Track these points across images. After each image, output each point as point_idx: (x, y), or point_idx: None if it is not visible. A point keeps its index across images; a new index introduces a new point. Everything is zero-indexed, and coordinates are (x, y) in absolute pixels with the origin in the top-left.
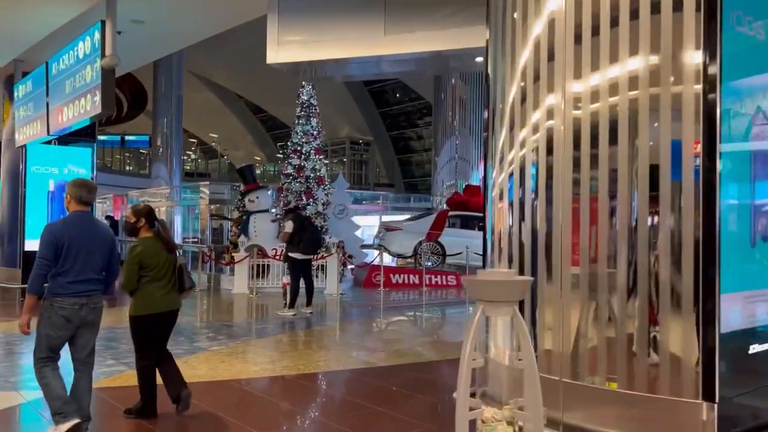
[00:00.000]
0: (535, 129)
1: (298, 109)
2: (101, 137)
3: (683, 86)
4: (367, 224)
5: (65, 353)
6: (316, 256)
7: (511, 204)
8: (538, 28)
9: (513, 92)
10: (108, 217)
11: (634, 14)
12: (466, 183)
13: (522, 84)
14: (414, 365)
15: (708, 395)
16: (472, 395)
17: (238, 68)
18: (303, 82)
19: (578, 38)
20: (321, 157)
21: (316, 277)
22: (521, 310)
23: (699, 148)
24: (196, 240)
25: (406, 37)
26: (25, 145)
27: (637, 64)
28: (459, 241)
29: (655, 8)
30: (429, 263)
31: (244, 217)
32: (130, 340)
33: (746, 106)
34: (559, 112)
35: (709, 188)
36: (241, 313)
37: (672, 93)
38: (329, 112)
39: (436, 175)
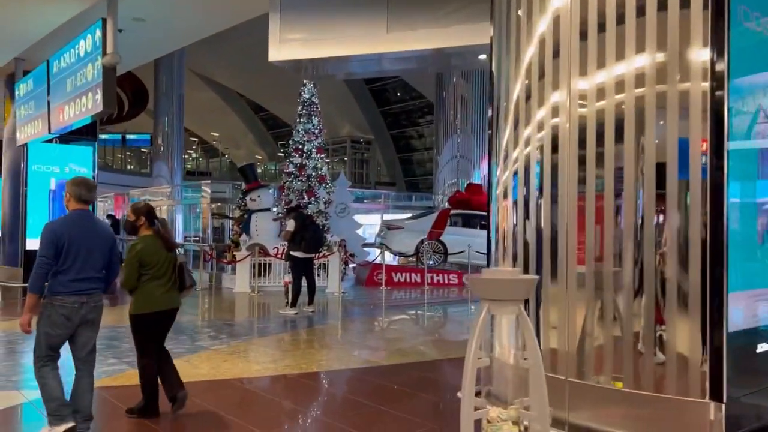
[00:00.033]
0: (540, 127)
1: (300, 108)
2: (102, 136)
3: (690, 83)
4: (369, 223)
5: (66, 352)
6: (317, 254)
7: (515, 202)
8: (543, 25)
9: (517, 89)
10: (109, 216)
11: (641, 11)
12: (468, 181)
13: (527, 81)
14: (416, 364)
15: (716, 395)
16: (477, 394)
17: (239, 67)
18: (305, 81)
19: (584, 35)
20: (322, 155)
21: (318, 275)
22: (525, 309)
23: (706, 146)
24: (197, 239)
25: (409, 34)
26: (26, 144)
27: (643, 61)
28: (461, 240)
29: (662, 5)
30: (431, 262)
31: (246, 216)
32: (131, 339)
33: (752, 103)
34: (564, 109)
35: (717, 186)
36: (242, 311)
37: (679, 90)
38: (330, 111)
39: (437, 173)
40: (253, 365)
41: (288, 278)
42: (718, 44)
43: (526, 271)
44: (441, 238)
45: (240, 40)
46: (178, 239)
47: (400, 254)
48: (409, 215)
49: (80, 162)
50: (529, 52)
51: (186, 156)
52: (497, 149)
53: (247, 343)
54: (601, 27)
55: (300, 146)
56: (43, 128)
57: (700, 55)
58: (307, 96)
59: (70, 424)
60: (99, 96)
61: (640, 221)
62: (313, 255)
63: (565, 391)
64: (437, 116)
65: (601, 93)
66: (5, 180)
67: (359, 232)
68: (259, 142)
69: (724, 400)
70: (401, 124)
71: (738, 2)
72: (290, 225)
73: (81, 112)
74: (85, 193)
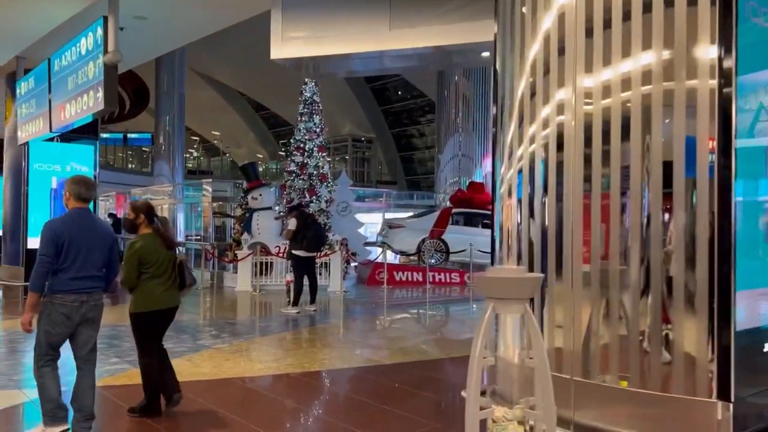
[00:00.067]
0: (545, 124)
1: (301, 107)
2: (104, 135)
3: (698, 81)
4: (371, 222)
5: (67, 351)
6: (319, 253)
7: (519, 200)
8: (547, 22)
9: (522, 87)
10: (111, 215)
11: (647, 7)
12: (470, 180)
13: (531, 79)
14: (419, 363)
15: (723, 394)
16: (482, 394)
17: (240, 66)
18: (306, 79)
19: (589, 32)
20: (324, 154)
21: (320, 274)
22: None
23: (713, 144)
24: (198, 238)
25: (412, 31)
26: (27, 143)
27: (650, 58)
28: (462, 239)
29: (669, 1)
30: (432, 261)
31: (247, 215)
32: (132, 337)
33: (755, 101)
34: (569, 107)
35: (725, 185)
36: (244, 310)
37: (686, 88)
38: (331, 110)
39: (439, 172)
40: (255, 364)
41: (290, 277)
42: (726, 41)
43: (530, 269)
44: (443, 237)
45: (241, 38)
46: (180, 238)
47: (402, 253)
48: (411, 214)
49: (81, 161)
50: (534, 49)
51: (187, 155)
52: (501, 147)
53: (249, 341)
54: (607, 23)
55: (301, 145)
56: (45, 127)
57: (708, 52)
58: (308, 94)
59: (64, 427)
60: (100, 94)
61: (646, 220)
62: (315, 254)
63: (571, 391)
64: (439, 115)
65: (607, 90)
66: (6, 179)
67: (361, 230)
68: (260, 140)
69: (732, 399)
70: (402, 122)
71: None
72: (292, 224)
73: (82, 111)
74: (84, 192)
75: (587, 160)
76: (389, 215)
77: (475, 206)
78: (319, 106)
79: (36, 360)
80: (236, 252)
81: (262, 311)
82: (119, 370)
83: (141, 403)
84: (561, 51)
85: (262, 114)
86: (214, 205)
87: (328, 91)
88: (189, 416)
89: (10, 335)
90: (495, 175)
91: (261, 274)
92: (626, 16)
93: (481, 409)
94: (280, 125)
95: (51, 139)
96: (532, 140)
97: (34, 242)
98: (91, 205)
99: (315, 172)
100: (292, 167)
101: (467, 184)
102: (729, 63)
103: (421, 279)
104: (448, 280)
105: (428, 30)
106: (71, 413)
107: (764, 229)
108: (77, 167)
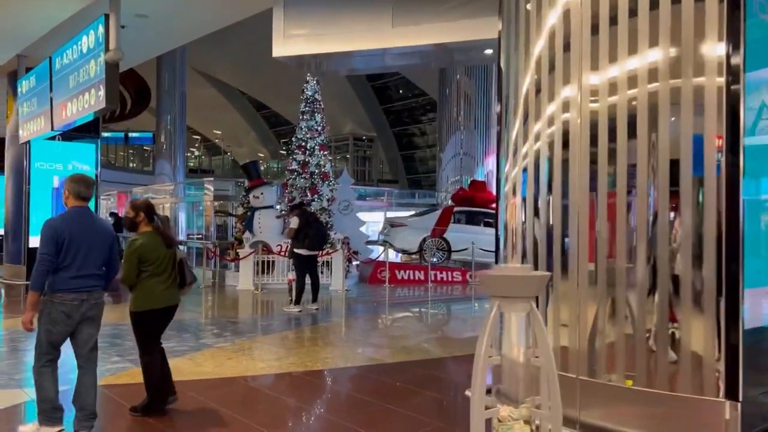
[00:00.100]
0: (551, 122)
1: (303, 105)
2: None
3: (705, 78)
4: (372, 220)
5: (69, 350)
6: (321, 252)
7: (524, 199)
8: (552, 18)
9: (527, 84)
10: (112, 214)
11: (654, 4)
12: (472, 179)
13: (536, 76)
14: (421, 362)
15: (731, 394)
16: (487, 393)
17: (242, 64)
18: (307, 78)
19: (595, 28)
20: (325, 152)
21: (322, 273)
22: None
23: (721, 142)
24: (200, 236)
25: (415, 29)
26: (28, 142)
27: (656, 55)
28: (464, 237)
29: None
30: (434, 259)
31: (249, 214)
32: (134, 336)
33: (757, 99)
34: (575, 104)
35: (733, 183)
36: (246, 309)
37: (693, 85)
38: (332, 109)
39: (440, 170)
40: (257, 363)
41: (292, 276)
42: (733, 37)
43: (535, 268)
44: (444, 236)
45: (242, 37)
46: (181, 237)
47: (404, 252)
48: (413, 212)
49: (83, 159)
50: (539, 46)
51: (188, 154)
52: (506, 145)
53: (251, 340)
54: (613, 20)
55: (303, 143)
56: (46, 125)
57: (716, 48)
58: (310, 93)
59: (59, 428)
60: (102, 92)
61: (652, 218)
62: (317, 252)
63: (576, 390)
64: (440, 113)
65: (613, 88)
66: (8, 178)
67: (363, 229)
68: (262, 139)
69: (740, 399)
70: (403, 121)
71: None
72: (294, 222)
73: (84, 109)
74: (83, 190)
75: (593, 158)
76: (391, 214)
77: (476, 205)
78: (320, 105)
79: (36, 359)
80: (238, 251)
81: (264, 310)
82: (121, 369)
83: (143, 402)
84: (566, 48)
85: (263, 113)
86: (216, 204)
87: (329, 90)
88: (191, 415)
89: (12, 334)
90: (499, 173)
91: (263, 272)
92: (632, 13)
93: (486, 408)
94: (281, 124)
95: (52, 138)
96: (537, 138)
97: (35, 241)
98: (92, 204)
99: (317, 171)
100: (294, 166)
101: (469, 182)
102: (737, 60)
103: (422, 278)
104: (449, 279)
105: (431, 27)
106: (72, 414)
107: None
108: (79, 166)
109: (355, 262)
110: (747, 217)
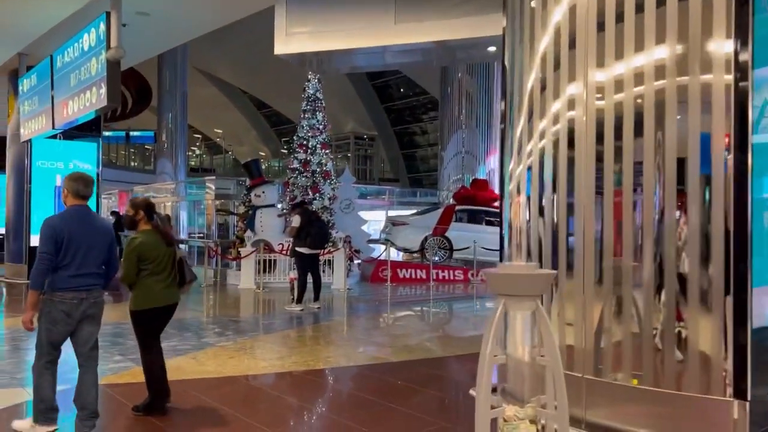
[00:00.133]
0: (556, 119)
1: (304, 103)
2: (106, 133)
3: (713, 75)
4: (374, 219)
5: (69, 349)
6: (323, 250)
7: (529, 197)
8: (558, 15)
9: (532, 81)
10: (114, 213)
11: (661, 0)
12: (473, 177)
13: (541, 73)
14: (424, 361)
15: (739, 393)
16: (492, 392)
17: (242, 63)
18: (309, 76)
19: (601, 25)
20: (327, 151)
21: (323, 271)
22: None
23: (729, 140)
24: (201, 235)
25: (417, 26)
26: (30, 140)
27: (663, 52)
28: (466, 236)
29: None
30: (436, 258)
31: (250, 212)
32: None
33: (759, 97)
34: (581, 102)
35: (741, 181)
36: (248, 308)
37: (701, 82)
38: (333, 108)
39: (442, 169)
40: (259, 362)
41: (293, 274)
42: (742, 34)
43: (540, 266)
44: (446, 234)
45: (243, 36)
46: (183, 236)
47: (405, 250)
48: (414, 211)
49: (84, 158)
50: (544, 43)
51: (189, 153)
52: (510, 143)
53: (253, 339)
54: (619, 17)
55: (304, 142)
56: (47, 124)
57: (723, 45)
58: (311, 91)
59: (53, 428)
60: (103, 90)
61: (659, 216)
62: (319, 251)
63: (582, 389)
64: (442, 112)
65: (619, 85)
66: (9, 176)
67: (364, 228)
68: (263, 138)
69: (749, 398)
70: (405, 120)
71: None
72: (296, 221)
73: (85, 107)
74: (82, 189)
75: (599, 156)
76: (392, 213)
77: (478, 203)
78: (322, 103)
79: (37, 359)
80: (239, 249)
81: (266, 309)
82: (123, 368)
83: (145, 401)
84: (572, 45)
85: (264, 112)
86: (217, 202)
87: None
88: (193, 414)
89: (13, 333)
90: (503, 171)
91: (264, 271)
92: (639, 9)
93: (492, 408)
94: (282, 123)
95: (54, 137)
96: (542, 136)
97: (36, 240)
98: (93, 203)
99: (318, 170)
100: (295, 164)
101: (471, 181)
102: (745, 56)
103: (424, 276)
104: (451, 278)
105: (434, 24)
106: (73, 413)
107: None
108: (80, 165)
109: (356, 261)
110: (759, 216)
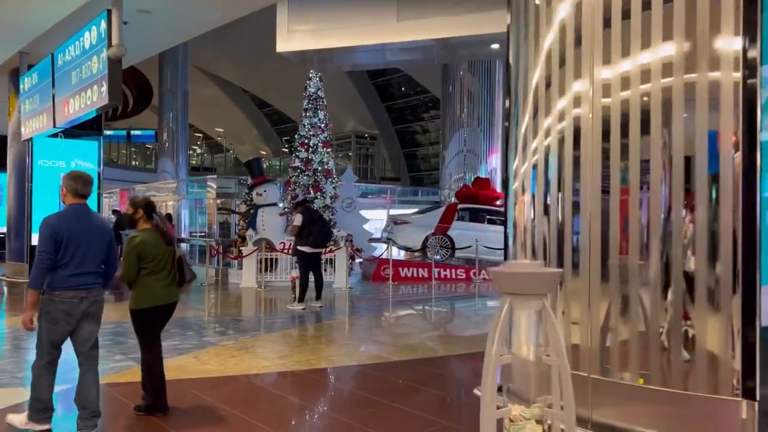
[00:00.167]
0: (561, 117)
1: (305, 102)
2: (107, 132)
3: (721, 72)
4: (376, 218)
5: (69, 348)
6: (324, 249)
7: (534, 195)
8: (563, 12)
9: (537, 78)
10: (115, 212)
11: None
12: (475, 176)
13: (546, 70)
14: (426, 360)
15: (748, 393)
16: (498, 392)
17: (244, 63)
18: (310, 75)
19: (607, 22)
20: (329, 150)
21: (325, 270)
22: None
23: (738, 138)
24: (203, 234)
25: (420, 23)
26: (31, 139)
27: (670, 49)
28: (468, 235)
29: None
30: (437, 257)
31: (252, 211)
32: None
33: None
34: (587, 99)
35: (750, 179)
36: (249, 307)
37: (708, 80)
38: (334, 106)
39: (444, 168)
40: (261, 361)
41: (295, 273)
42: (750, 30)
43: (545, 265)
44: (448, 233)
45: (244, 35)
46: (184, 234)
47: (407, 249)
48: (416, 210)
49: (85, 157)
50: (549, 39)
51: (191, 152)
52: (515, 141)
53: (255, 338)
54: (626, 14)
55: (306, 141)
56: (48, 122)
57: (732, 42)
58: (312, 90)
59: (47, 427)
60: (104, 88)
61: (665, 215)
62: (321, 250)
63: (588, 389)
64: (443, 111)
65: (625, 82)
66: (10, 175)
67: (366, 226)
68: (264, 137)
69: (757, 398)
70: (406, 119)
71: None
72: (297, 219)
73: (86, 105)
74: (81, 188)
75: (605, 154)
76: (394, 211)
77: (480, 202)
78: (323, 102)
79: (37, 358)
80: (241, 248)
81: (268, 308)
82: (124, 367)
83: (147, 401)
84: (578, 42)
85: (265, 111)
86: (218, 201)
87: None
88: (195, 413)
89: (14, 332)
90: (507, 169)
91: (266, 270)
92: (646, 6)
93: (498, 407)
94: (284, 122)
95: (55, 135)
96: (547, 133)
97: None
98: (94, 202)
99: (320, 168)
100: (297, 163)
101: (473, 180)
102: (754, 53)
103: (426, 275)
104: (453, 276)
105: (437, 21)
106: (74, 413)
107: None
108: (81, 164)
109: (358, 260)
110: (765, 214)
